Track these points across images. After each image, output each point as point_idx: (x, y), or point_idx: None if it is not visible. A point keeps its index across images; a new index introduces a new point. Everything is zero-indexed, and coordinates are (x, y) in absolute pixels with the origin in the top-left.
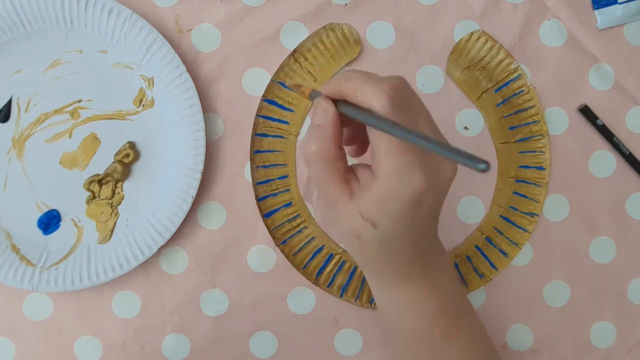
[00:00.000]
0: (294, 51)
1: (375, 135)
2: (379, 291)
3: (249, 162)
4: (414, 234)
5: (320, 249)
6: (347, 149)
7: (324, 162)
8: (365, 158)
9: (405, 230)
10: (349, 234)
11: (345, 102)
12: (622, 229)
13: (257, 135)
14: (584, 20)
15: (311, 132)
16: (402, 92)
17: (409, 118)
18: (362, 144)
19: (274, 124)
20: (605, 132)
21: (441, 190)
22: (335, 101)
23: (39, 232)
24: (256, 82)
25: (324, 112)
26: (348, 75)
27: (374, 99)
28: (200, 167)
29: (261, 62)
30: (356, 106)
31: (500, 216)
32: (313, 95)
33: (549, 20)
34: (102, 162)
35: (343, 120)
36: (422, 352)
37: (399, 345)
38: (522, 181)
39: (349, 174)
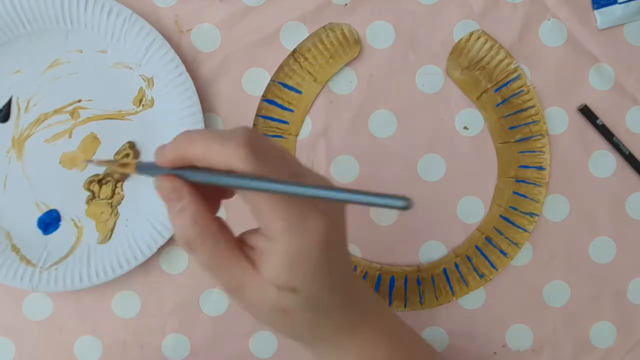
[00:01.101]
0: (294, 51)
1: (250, 197)
2: (327, 357)
3: None
4: (340, 281)
5: None
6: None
7: (209, 246)
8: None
9: (326, 280)
10: (272, 312)
11: (194, 169)
12: (622, 229)
13: None
14: (584, 20)
15: (175, 221)
16: (257, 140)
17: (277, 167)
18: (217, 195)
19: (273, 124)
20: (605, 132)
21: (340, 223)
22: (179, 170)
23: (39, 232)
24: (256, 82)
25: (178, 192)
26: (188, 138)
27: (232, 157)
28: None
29: (261, 62)
30: (210, 170)
31: (500, 216)
32: (142, 168)
33: (549, 20)
34: None
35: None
36: None
37: None
38: (522, 181)
39: (239, 243)
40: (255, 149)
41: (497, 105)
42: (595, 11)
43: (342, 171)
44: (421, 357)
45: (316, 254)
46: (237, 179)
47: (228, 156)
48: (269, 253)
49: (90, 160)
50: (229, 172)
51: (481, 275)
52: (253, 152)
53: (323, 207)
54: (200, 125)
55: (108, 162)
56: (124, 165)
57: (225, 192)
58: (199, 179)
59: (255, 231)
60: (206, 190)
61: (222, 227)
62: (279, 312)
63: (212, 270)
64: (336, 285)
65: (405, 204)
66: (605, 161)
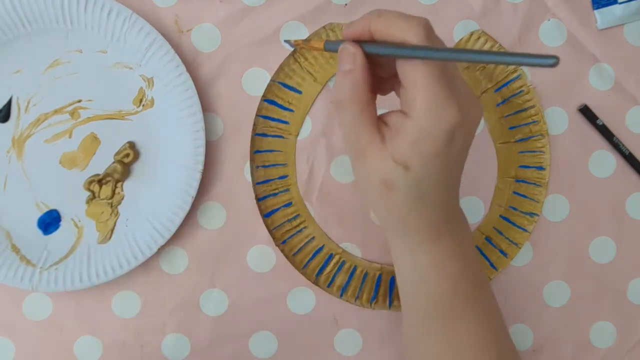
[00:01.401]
0: (294, 51)
1: (409, 70)
2: (402, 253)
3: (248, 162)
4: (447, 179)
5: (320, 249)
6: None
7: (357, 108)
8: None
9: (438, 174)
10: (378, 185)
11: (371, 43)
12: (622, 229)
13: (257, 135)
14: (584, 20)
15: (340, 79)
16: (431, 29)
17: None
18: (382, 87)
19: (273, 124)
20: (605, 132)
21: (470, 130)
22: (362, 43)
23: (39, 232)
24: (256, 82)
25: (353, 56)
26: (379, 13)
27: (411, 31)
28: (200, 167)
29: (261, 62)
30: (387, 43)
31: (500, 216)
32: (329, 45)
33: (549, 20)
34: (102, 162)
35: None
36: (439, 318)
37: (417, 313)
38: (522, 181)
39: (379, 121)
40: (429, 33)
41: (497, 105)
42: (595, 11)
43: (343, 171)
44: (483, 282)
45: (439, 141)
46: (408, 50)
47: (407, 30)
48: (400, 129)
49: (287, 40)
50: (404, 44)
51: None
52: (427, 32)
53: (464, 105)
54: (200, 125)
55: (299, 41)
56: (313, 46)
57: (384, 89)
58: (375, 50)
59: (395, 112)
60: (373, 77)
61: (373, 101)
62: (385, 185)
63: (349, 131)
64: (444, 182)
65: (555, 61)
66: (605, 161)
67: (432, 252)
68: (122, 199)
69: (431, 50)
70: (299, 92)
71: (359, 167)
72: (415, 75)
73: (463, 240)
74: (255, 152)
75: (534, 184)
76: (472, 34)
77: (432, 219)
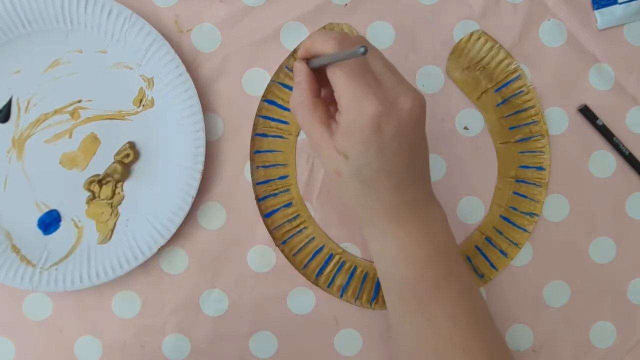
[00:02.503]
0: (294, 51)
1: (332, 74)
2: (371, 238)
3: (249, 162)
4: (387, 166)
5: (320, 249)
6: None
7: (306, 110)
8: None
9: (375, 161)
10: (332, 173)
11: (313, 58)
12: (622, 229)
13: (257, 135)
14: (584, 20)
15: (294, 88)
16: (348, 38)
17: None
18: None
19: (274, 124)
20: (605, 132)
21: (401, 119)
22: (308, 61)
23: (39, 232)
24: (256, 82)
25: (300, 70)
26: (309, 35)
27: (325, 44)
28: (200, 167)
29: (261, 62)
30: (318, 56)
31: (500, 216)
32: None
33: (549, 20)
34: (102, 162)
35: (321, 81)
36: (412, 301)
37: (391, 294)
38: (522, 181)
39: (330, 120)
40: (342, 42)
41: (497, 105)
42: (595, 11)
43: None
44: (456, 267)
45: (367, 131)
46: (324, 59)
47: (323, 44)
48: (338, 123)
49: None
50: (324, 56)
51: (481, 276)
52: (338, 43)
53: (386, 98)
54: (200, 125)
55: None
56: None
57: (322, 86)
58: (311, 63)
59: (338, 111)
60: (327, 90)
61: (320, 104)
62: (336, 173)
63: (306, 130)
64: (387, 169)
65: (364, 50)
66: (605, 161)
67: (397, 237)
68: (122, 199)
69: (332, 56)
70: None
71: (320, 159)
72: (336, 78)
73: (431, 227)
74: (255, 152)
75: (534, 184)
76: (472, 34)
77: (388, 203)
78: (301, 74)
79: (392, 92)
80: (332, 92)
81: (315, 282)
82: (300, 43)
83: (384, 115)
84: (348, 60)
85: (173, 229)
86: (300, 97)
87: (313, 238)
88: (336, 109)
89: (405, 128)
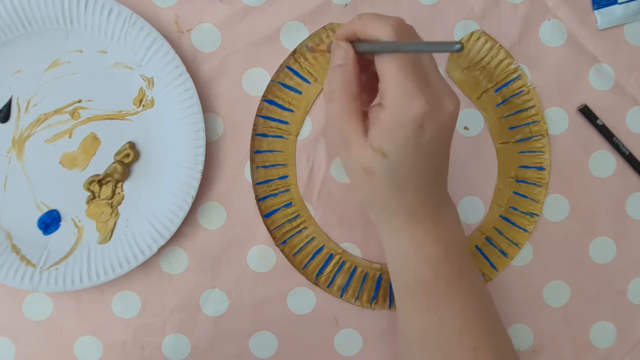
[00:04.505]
0: (294, 51)
1: (382, 64)
2: (386, 235)
3: (249, 162)
4: (421, 166)
5: (320, 249)
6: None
7: (346, 99)
8: None
9: (411, 161)
10: (360, 171)
11: (358, 42)
12: (622, 229)
13: (257, 135)
14: (584, 20)
15: (333, 72)
16: (404, 26)
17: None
18: (374, 90)
19: (274, 124)
20: (605, 132)
21: (442, 121)
22: (353, 42)
23: (39, 232)
24: (256, 82)
25: (344, 52)
26: (359, 16)
27: (381, 30)
28: (200, 167)
29: (261, 62)
30: (367, 41)
31: (500, 216)
32: (331, 46)
33: (549, 20)
34: (102, 162)
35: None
36: (423, 299)
37: (402, 291)
38: (522, 181)
39: (364, 115)
40: (399, 30)
41: (498, 105)
42: (595, 11)
43: (343, 171)
44: (467, 268)
45: (409, 129)
46: (378, 45)
47: (378, 29)
48: (376, 119)
49: (308, 47)
50: (378, 41)
51: (481, 276)
52: (395, 30)
53: (433, 98)
54: (200, 125)
55: (314, 46)
56: (320, 50)
57: (372, 92)
58: (357, 48)
59: (375, 105)
60: (365, 76)
61: (360, 95)
62: (367, 171)
63: (337, 120)
64: (418, 169)
65: (460, 47)
66: (605, 161)
67: (413, 235)
68: (122, 199)
69: (390, 45)
70: (299, 92)
71: (344, 155)
72: (386, 69)
73: (446, 227)
74: (255, 152)
75: (534, 184)
76: (472, 34)
77: (410, 204)
78: (346, 57)
79: (438, 93)
80: (368, 80)
81: (315, 282)
82: (303, 41)
83: (428, 115)
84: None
85: (173, 229)
86: (341, 83)
87: (313, 238)
88: (368, 98)
89: (444, 130)
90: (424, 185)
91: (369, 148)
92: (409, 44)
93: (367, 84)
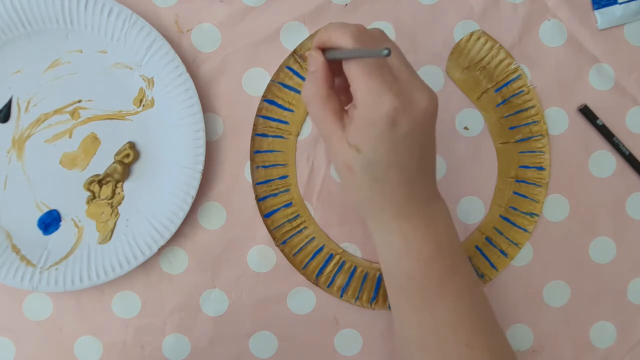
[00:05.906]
0: (294, 51)
1: (348, 68)
2: (378, 234)
3: (249, 162)
4: (399, 161)
5: (320, 249)
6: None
7: (319, 101)
8: None
9: (388, 156)
10: (341, 166)
11: (328, 50)
12: (622, 229)
13: (257, 135)
14: (584, 20)
15: (307, 78)
16: (364, 32)
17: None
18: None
19: (274, 124)
20: (605, 132)
21: (415, 116)
22: (324, 51)
23: (39, 232)
24: (256, 82)
25: (315, 60)
26: (326, 26)
27: (341, 38)
28: (200, 167)
29: (261, 62)
30: (334, 49)
31: (500, 216)
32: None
33: (549, 20)
34: (102, 162)
35: (333, 71)
36: (416, 296)
37: (396, 291)
38: (522, 181)
39: (342, 112)
40: (359, 37)
41: (497, 105)
42: (595, 11)
43: None
44: (459, 264)
45: (381, 126)
46: (340, 52)
47: (340, 38)
48: (352, 118)
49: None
50: (341, 49)
51: (481, 276)
52: (354, 37)
53: (402, 93)
54: (200, 125)
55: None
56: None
57: (335, 75)
58: (327, 55)
59: (352, 105)
60: (340, 80)
61: (333, 96)
62: (346, 167)
63: (317, 121)
64: (396, 164)
65: (387, 52)
66: (605, 161)
67: (402, 232)
68: (122, 199)
69: (349, 51)
70: (299, 92)
71: (329, 152)
72: (352, 73)
73: (436, 223)
74: (255, 152)
75: (534, 184)
76: (472, 34)
77: (394, 199)
78: (316, 64)
79: (408, 89)
80: (345, 82)
81: (315, 282)
82: (303, 41)
83: (399, 111)
84: None
85: (173, 229)
86: (314, 87)
87: (313, 238)
88: (347, 99)
89: (419, 125)
90: (406, 180)
91: (345, 144)
92: (344, 52)
93: (344, 86)
